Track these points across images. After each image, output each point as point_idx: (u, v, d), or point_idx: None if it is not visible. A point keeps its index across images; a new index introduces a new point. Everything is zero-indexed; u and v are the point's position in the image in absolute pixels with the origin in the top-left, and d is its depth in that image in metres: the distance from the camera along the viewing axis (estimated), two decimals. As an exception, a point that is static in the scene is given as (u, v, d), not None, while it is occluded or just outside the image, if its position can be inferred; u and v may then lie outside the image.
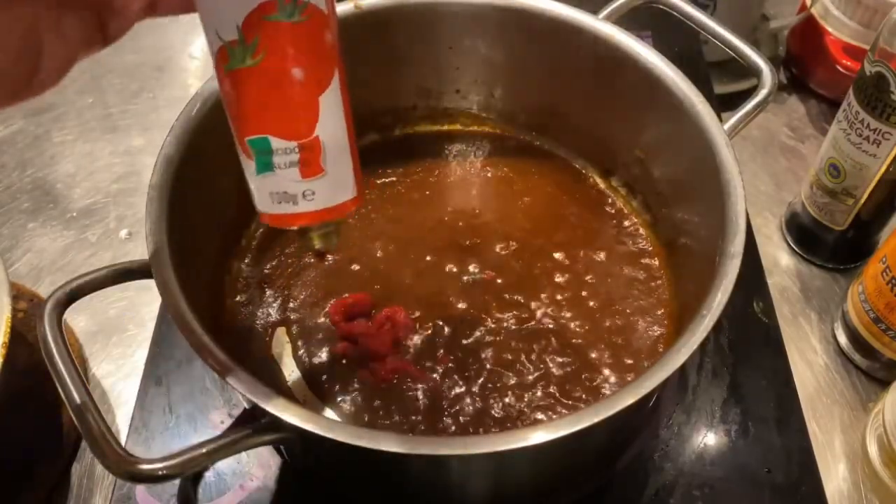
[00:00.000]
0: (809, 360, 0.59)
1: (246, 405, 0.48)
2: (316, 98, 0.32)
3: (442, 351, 0.48)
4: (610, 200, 0.58)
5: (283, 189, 0.34)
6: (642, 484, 0.48)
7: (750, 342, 0.55)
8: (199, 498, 0.47)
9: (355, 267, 0.53)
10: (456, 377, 0.47)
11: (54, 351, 0.36)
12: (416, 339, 0.49)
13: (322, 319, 0.50)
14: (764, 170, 0.73)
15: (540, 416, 0.46)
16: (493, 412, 0.46)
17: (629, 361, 0.48)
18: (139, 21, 0.31)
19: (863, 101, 0.53)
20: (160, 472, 0.33)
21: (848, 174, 0.57)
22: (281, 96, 0.32)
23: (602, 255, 0.54)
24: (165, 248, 0.41)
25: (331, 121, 0.33)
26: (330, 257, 0.53)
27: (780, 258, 0.65)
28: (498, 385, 0.47)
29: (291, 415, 0.34)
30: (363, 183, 0.36)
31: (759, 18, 0.79)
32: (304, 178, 0.33)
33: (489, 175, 0.60)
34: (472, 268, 0.53)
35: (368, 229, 0.55)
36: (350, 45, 0.34)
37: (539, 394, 0.46)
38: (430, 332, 0.49)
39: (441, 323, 0.49)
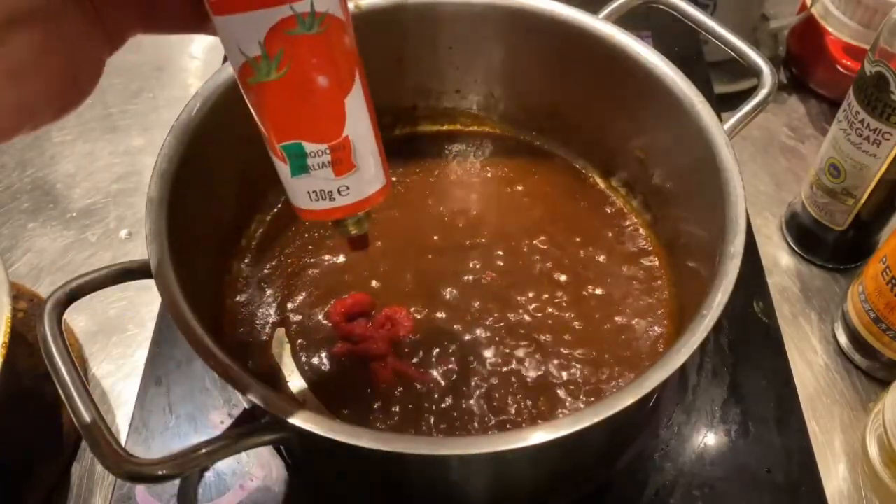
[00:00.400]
0: (809, 360, 0.59)
1: (246, 405, 0.48)
2: (342, 101, 0.33)
3: (442, 351, 0.48)
4: (610, 200, 0.58)
5: (319, 188, 0.34)
6: (642, 484, 0.48)
7: (750, 342, 0.55)
8: (199, 498, 0.47)
9: (355, 267, 0.53)
10: (456, 377, 0.47)
11: (54, 351, 0.36)
12: (417, 340, 0.49)
13: (322, 319, 0.50)
14: (764, 170, 0.73)
15: (540, 416, 0.46)
16: (492, 412, 0.46)
17: (629, 361, 0.48)
18: (132, 37, 0.33)
19: (863, 101, 0.53)
20: (160, 472, 0.33)
21: (848, 174, 0.57)
22: (308, 105, 0.32)
23: (602, 255, 0.54)
24: (165, 247, 0.40)
25: (358, 119, 0.34)
26: (329, 257, 0.53)
27: (780, 258, 0.65)
28: (498, 385, 0.47)
29: (291, 415, 0.34)
30: (389, 170, 0.37)
31: (759, 18, 0.79)
32: (337, 176, 0.34)
33: (489, 175, 0.60)
34: (472, 267, 0.52)
35: (369, 229, 0.55)
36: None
37: (539, 393, 0.46)
38: (430, 332, 0.49)
39: (441, 323, 0.49)
